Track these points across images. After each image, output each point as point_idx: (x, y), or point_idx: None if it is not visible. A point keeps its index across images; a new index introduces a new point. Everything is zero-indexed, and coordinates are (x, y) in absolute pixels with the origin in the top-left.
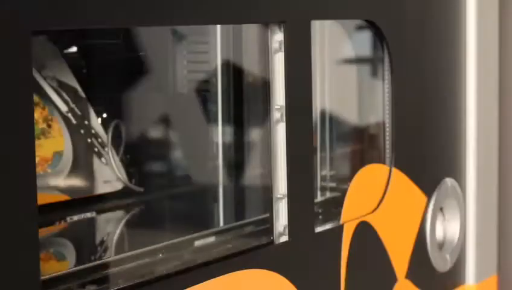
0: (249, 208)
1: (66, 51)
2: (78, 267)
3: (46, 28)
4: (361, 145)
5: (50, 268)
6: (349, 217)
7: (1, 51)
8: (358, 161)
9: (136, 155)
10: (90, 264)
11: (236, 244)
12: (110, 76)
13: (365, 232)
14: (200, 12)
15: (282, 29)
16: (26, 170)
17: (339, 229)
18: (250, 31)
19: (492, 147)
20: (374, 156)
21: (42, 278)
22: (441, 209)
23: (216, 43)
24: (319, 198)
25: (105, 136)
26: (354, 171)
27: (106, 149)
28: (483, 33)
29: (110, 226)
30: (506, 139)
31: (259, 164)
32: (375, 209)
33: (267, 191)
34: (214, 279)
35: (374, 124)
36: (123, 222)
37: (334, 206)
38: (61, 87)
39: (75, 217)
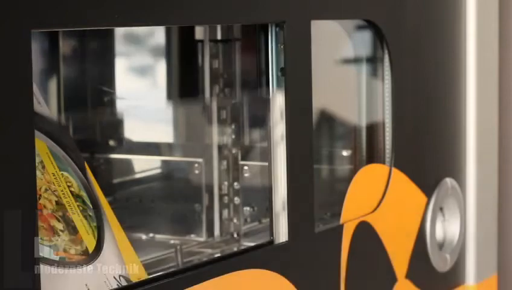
0: None
1: None
2: None
3: (46, 28)
4: (361, 145)
5: None
6: (349, 217)
7: (1, 51)
8: (358, 161)
9: None
10: None
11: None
12: None
13: (365, 232)
14: (200, 12)
15: (282, 29)
16: (26, 172)
17: (339, 229)
18: None
19: (492, 147)
20: (374, 156)
21: None
22: (441, 209)
23: None
24: None
25: None
26: (353, 171)
27: None
28: (483, 33)
29: None
30: (506, 139)
31: None
32: (375, 209)
33: None
34: (213, 279)
35: (373, 124)
36: None
37: None
38: None
39: None
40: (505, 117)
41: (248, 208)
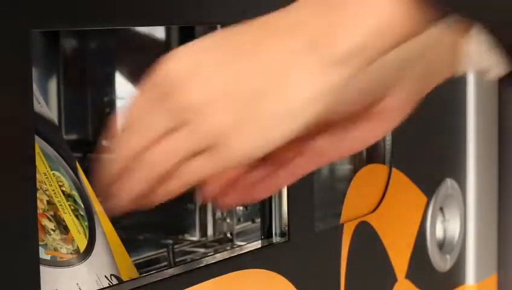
0: None
1: None
2: None
3: (46, 28)
4: None
5: None
6: (349, 217)
7: (1, 51)
8: (358, 161)
9: None
10: None
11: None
12: None
13: (365, 232)
14: (200, 12)
15: None
16: (26, 172)
17: (339, 229)
18: None
19: (492, 147)
20: (373, 156)
21: None
22: (441, 209)
23: None
24: None
25: None
26: (353, 171)
27: None
28: None
29: None
30: (506, 139)
31: None
32: (375, 209)
33: None
34: (213, 279)
35: None
36: None
37: None
38: None
39: None
40: (505, 117)
41: (241, 208)
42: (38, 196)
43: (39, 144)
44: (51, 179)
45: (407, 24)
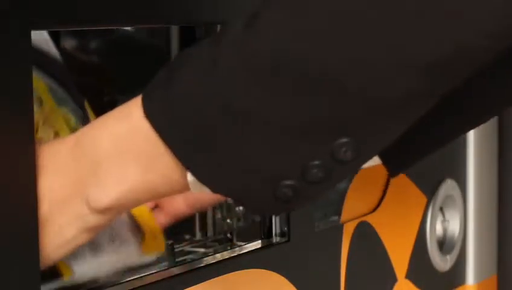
0: None
1: None
2: None
3: (46, 28)
4: None
5: None
6: (349, 217)
7: (1, 51)
8: None
9: None
10: None
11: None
12: None
13: (365, 232)
14: (199, 12)
15: None
16: (26, 172)
17: (339, 229)
18: None
19: (492, 147)
20: None
21: None
22: (441, 209)
23: None
24: None
25: None
26: None
27: None
28: None
29: None
30: (506, 139)
31: None
32: (375, 209)
33: None
34: (213, 279)
35: None
36: None
37: None
38: None
39: None
40: (505, 117)
41: (241, 208)
42: (44, 130)
43: (47, 82)
44: (57, 115)
45: (163, 184)
